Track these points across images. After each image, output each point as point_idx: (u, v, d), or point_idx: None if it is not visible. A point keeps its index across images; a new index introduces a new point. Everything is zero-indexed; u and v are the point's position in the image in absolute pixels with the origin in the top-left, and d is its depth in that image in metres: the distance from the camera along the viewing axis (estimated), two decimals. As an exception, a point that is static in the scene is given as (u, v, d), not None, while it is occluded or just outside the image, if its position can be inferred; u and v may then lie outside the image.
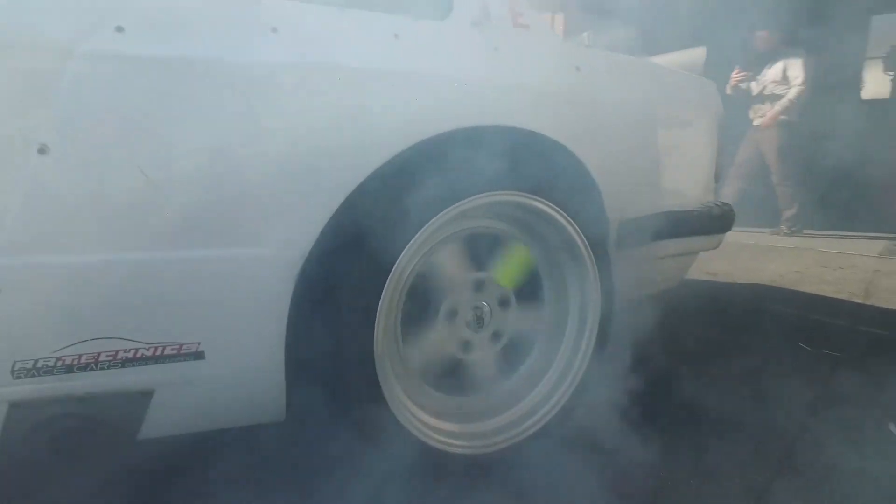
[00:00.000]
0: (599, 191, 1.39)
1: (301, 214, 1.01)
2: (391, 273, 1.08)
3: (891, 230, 4.74)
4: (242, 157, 0.96)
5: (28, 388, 0.88)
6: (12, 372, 0.86)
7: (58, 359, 0.88)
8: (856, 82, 5.70)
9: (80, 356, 0.89)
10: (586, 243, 1.35)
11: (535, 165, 1.26)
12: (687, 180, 1.76)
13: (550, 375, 1.38)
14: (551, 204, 1.28)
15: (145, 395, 0.96)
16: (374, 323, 1.07)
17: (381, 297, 1.07)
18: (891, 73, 5.46)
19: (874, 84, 5.72)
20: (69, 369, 0.89)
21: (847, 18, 5.08)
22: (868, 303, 2.71)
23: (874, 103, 5.61)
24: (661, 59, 2.12)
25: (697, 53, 2.09)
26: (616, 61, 1.59)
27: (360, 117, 1.06)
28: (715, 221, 1.79)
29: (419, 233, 1.11)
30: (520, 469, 1.23)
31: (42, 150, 0.83)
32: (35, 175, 0.83)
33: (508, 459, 1.25)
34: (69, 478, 1.04)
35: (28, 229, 0.83)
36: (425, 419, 1.20)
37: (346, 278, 1.06)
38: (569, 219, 1.31)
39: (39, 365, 0.87)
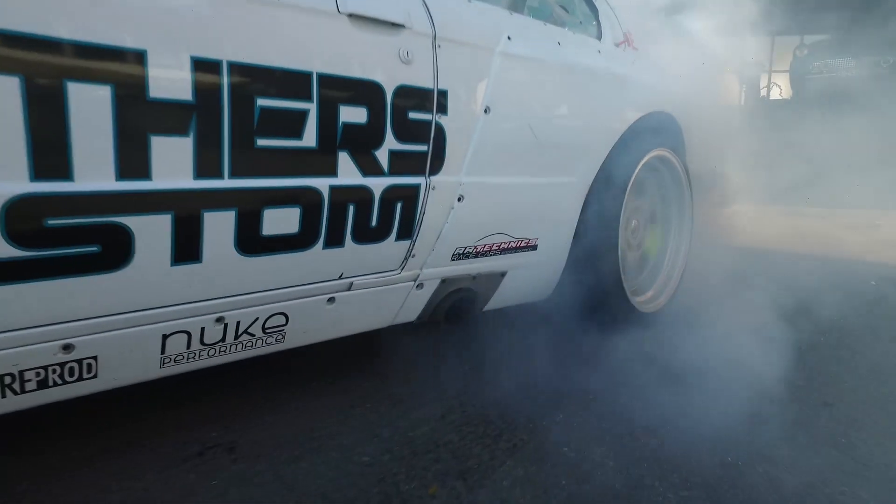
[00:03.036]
0: (685, 143, 1.99)
1: (589, 161, 1.50)
2: (628, 187, 1.61)
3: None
4: (567, 128, 1.44)
5: (455, 268, 1.31)
6: (452, 256, 1.29)
7: (475, 247, 1.32)
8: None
9: (485, 245, 1.34)
10: (688, 177, 1.96)
11: (671, 133, 1.83)
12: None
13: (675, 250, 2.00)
14: (672, 152, 1.87)
15: (502, 276, 1.43)
16: (618, 225, 1.60)
17: (623, 203, 1.61)
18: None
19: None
20: (476, 255, 1.33)
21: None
22: None
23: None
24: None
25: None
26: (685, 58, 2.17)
27: (614, 103, 1.58)
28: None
29: (638, 167, 1.64)
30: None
31: (486, 111, 1.25)
32: (482, 126, 1.25)
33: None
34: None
35: (478, 160, 1.25)
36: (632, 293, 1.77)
37: (605, 197, 1.57)
38: (677, 158, 1.90)
39: (467, 251, 1.31)
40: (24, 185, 0.73)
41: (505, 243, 1.38)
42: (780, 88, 9.19)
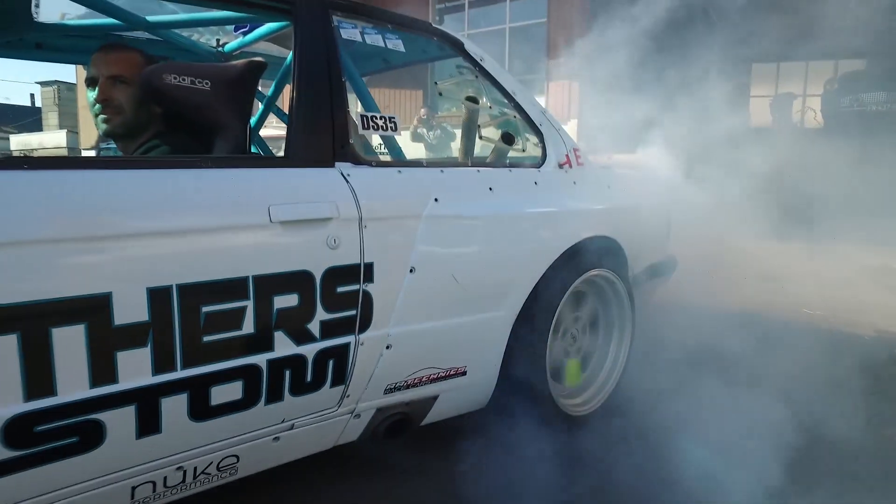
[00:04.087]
0: (627, 260, 2.17)
1: (516, 294, 1.74)
2: (556, 311, 1.83)
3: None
4: (494, 270, 1.67)
5: (388, 399, 1.56)
6: (384, 390, 1.53)
7: (406, 381, 1.56)
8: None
9: (415, 378, 1.58)
10: (628, 291, 2.15)
11: (609, 254, 2.03)
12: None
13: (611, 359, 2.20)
14: (614, 273, 2.07)
15: (434, 398, 1.66)
16: (546, 344, 1.82)
17: (553, 322, 1.83)
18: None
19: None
20: (408, 387, 1.57)
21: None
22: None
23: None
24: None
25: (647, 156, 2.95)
26: (623, 177, 2.35)
27: (545, 236, 1.80)
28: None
29: (567, 293, 1.86)
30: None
31: (412, 270, 1.49)
32: (407, 285, 1.49)
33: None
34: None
35: (404, 313, 1.49)
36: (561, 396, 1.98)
37: (532, 321, 1.79)
38: (619, 279, 2.10)
39: (398, 385, 1.55)
40: (19, 406, 1.00)
41: (434, 374, 1.62)
42: (815, 112, 9.01)
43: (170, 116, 1.60)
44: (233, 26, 2.24)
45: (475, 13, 7.17)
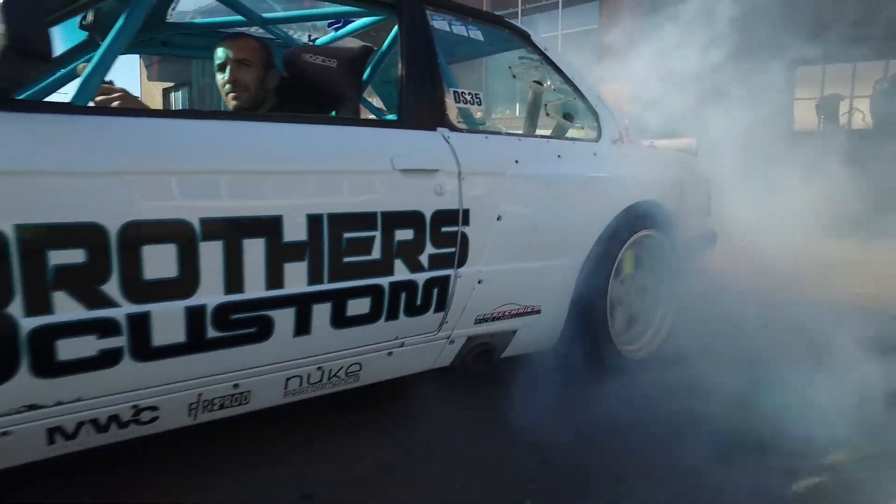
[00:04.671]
0: (672, 221, 2.42)
1: (581, 246, 2.01)
2: (615, 262, 2.10)
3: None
4: (563, 223, 1.95)
5: (477, 329, 1.84)
6: (474, 321, 1.82)
7: (492, 314, 1.84)
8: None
9: (499, 312, 1.86)
10: (675, 250, 2.41)
11: (658, 216, 2.29)
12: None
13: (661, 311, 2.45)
14: (662, 233, 2.33)
15: (513, 333, 1.94)
16: (606, 293, 2.08)
17: (613, 268, 2.10)
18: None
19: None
20: (493, 319, 1.86)
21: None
22: None
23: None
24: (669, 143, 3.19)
25: (691, 141, 3.19)
26: (668, 154, 2.61)
27: (604, 198, 2.07)
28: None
29: (624, 247, 2.13)
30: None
31: (499, 219, 1.78)
32: (495, 230, 1.78)
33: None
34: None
35: (493, 254, 1.78)
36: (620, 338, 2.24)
37: (595, 270, 2.06)
38: (669, 239, 2.36)
39: (486, 317, 1.83)
40: (220, 297, 1.32)
41: (514, 310, 1.89)
42: (863, 114, 9.01)
43: (283, 91, 1.92)
44: (325, 22, 2.56)
45: (526, 21, 7.49)
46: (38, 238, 1.09)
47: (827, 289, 3.49)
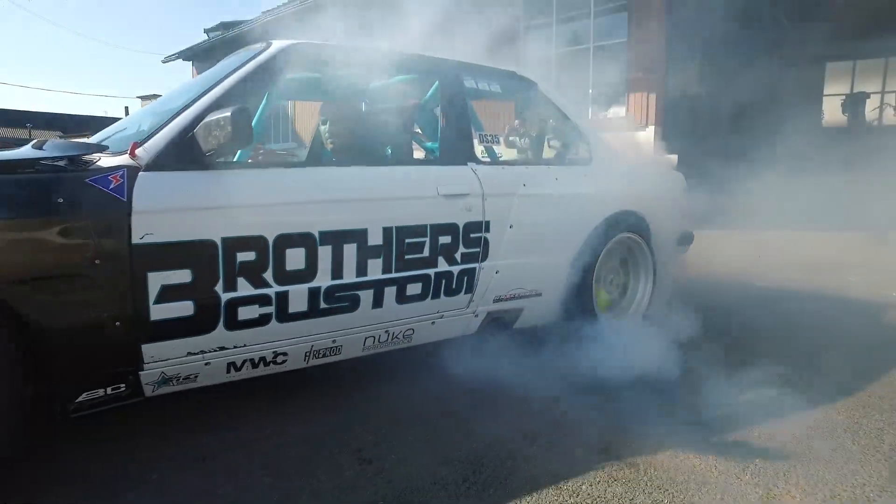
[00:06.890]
0: (649, 227, 3.10)
1: (573, 245, 2.70)
2: (599, 257, 2.79)
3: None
4: (558, 229, 2.64)
5: (495, 306, 2.54)
6: (493, 300, 2.52)
7: (505, 295, 2.55)
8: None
9: (511, 294, 2.56)
10: (649, 248, 3.09)
11: (635, 222, 2.97)
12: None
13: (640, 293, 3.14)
14: (638, 235, 3.01)
15: (521, 310, 2.64)
16: (592, 281, 2.78)
17: (597, 262, 2.79)
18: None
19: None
20: (507, 299, 2.56)
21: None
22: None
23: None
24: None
25: (672, 158, 3.84)
26: (647, 172, 3.28)
27: (591, 209, 2.76)
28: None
29: (605, 247, 2.82)
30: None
31: (511, 227, 2.48)
32: (508, 236, 2.48)
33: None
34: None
35: (506, 253, 2.48)
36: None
37: (583, 263, 2.75)
38: (644, 239, 3.04)
39: (501, 297, 2.54)
40: (329, 281, 2.03)
41: (522, 293, 2.60)
42: (894, 109, 9.26)
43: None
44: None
45: (560, 29, 8.06)
46: (231, 245, 1.81)
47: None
